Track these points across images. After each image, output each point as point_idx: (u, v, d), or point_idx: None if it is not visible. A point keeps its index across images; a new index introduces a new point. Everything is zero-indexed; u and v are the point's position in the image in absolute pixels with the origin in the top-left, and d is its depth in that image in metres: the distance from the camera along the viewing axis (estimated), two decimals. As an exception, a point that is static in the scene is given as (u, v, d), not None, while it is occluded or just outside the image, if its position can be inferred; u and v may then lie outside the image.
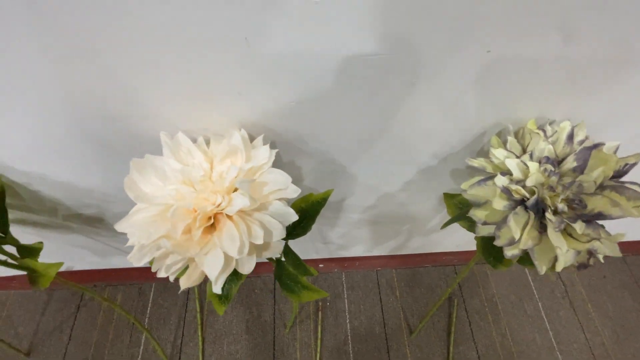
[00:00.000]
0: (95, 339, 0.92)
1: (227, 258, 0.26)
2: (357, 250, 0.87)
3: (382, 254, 0.91)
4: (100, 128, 0.33)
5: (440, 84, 0.32)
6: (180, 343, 0.92)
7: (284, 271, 0.42)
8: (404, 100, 0.33)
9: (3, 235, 0.43)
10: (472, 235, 0.85)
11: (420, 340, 0.95)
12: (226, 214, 0.27)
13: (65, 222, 0.53)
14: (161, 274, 0.28)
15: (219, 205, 0.26)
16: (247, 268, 0.27)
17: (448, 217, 0.66)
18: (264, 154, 0.29)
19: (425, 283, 1.03)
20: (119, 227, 0.28)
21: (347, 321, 0.97)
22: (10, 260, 0.44)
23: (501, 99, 0.33)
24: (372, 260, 0.95)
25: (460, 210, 0.56)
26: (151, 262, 0.28)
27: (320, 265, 0.97)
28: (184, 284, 0.28)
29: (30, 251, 0.42)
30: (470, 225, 0.54)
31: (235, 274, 0.39)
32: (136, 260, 0.26)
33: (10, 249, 0.43)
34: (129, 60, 0.26)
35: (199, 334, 0.93)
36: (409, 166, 0.44)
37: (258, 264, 0.88)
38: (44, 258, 0.42)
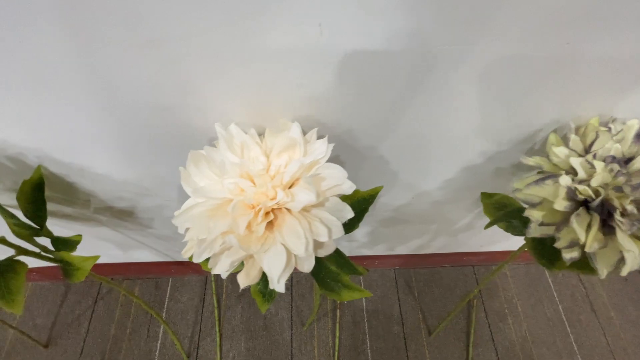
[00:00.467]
0: (112, 332, 0.92)
1: (289, 256, 0.25)
2: (380, 249, 0.86)
3: (403, 253, 0.90)
4: (150, 119, 0.32)
5: (504, 78, 0.30)
6: (198, 338, 0.92)
7: (324, 269, 0.41)
8: (462, 95, 0.32)
9: (39, 228, 0.43)
10: (496, 235, 0.84)
11: (439, 341, 0.94)
12: (285, 210, 0.26)
13: (95, 215, 0.52)
14: (216, 271, 0.27)
15: (280, 200, 0.25)
16: (307, 266, 0.26)
17: (479, 217, 0.65)
18: (321, 148, 0.28)
19: (444, 283, 1.02)
20: (177, 221, 0.27)
21: (365, 320, 0.96)
22: (43, 253, 0.43)
23: (565, 95, 0.32)
24: (392, 259, 0.94)
25: (497, 210, 0.55)
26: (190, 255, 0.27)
27: (339, 263, 0.96)
28: (243, 282, 0.27)
29: (67, 244, 0.41)
30: (508, 226, 0.52)
31: (278, 272, 0.38)
32: (197, 256, 0.25)
33: (43, 241, 0.43)
34: (192, 50, 0.25)
35: (217, 329, 0.92)
36: (453, 164, 0.43)
37: None
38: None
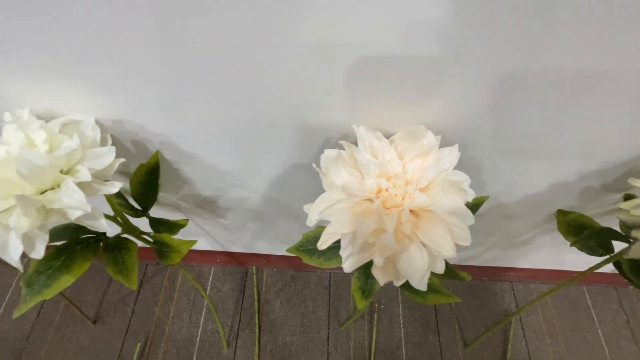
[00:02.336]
0: (156, 315, 0.95)
1: (431, 256, 0.26)
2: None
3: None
4: (276, 115, 0.33)
5: (628, 100, 0.31)
6: (237, 328, 0.94)
7: (413, 272, 0.42)
8: (579, 115, 0.33)
9: (141, 210, 0.45)
10: (545, 253, 0.83)
11: (475, 354, 0.93)
12: (422, 212, 0.27)
13: (178, 201, 0.55)
14: (348, 266, 0.28)
15: (421, 202, 0.27)
16: (439, 267, 0.27)
17: (543, 233, 0.64)
18: (451, 156, 0.30)
19: (481, 296, 1.02)
20: (314, 214, 0.28)
21: (401, 326, 0.96)
22: (143, 235, 0.46)
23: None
24: None
25: (571, 227, 0.55)
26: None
27: (380, 268, 0.97)
28: (382, 278, 0.28)
29: (170, 227, 0.43)
30: (583, 245, 0.52)
31: (377, 270, 0.39)
32: (343, 250, 0.27)
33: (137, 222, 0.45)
34: (351, 58, 0.27)
35: (256, 321, 0.94)
36: (543, 179, 0.44)
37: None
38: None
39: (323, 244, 0.29)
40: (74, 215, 0.29)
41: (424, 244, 0.26)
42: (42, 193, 0.30)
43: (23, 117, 0.32)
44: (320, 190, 0.48)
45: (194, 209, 0.58)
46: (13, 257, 0.28)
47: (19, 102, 0.34)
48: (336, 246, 0.40)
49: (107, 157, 0.32)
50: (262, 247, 0.85)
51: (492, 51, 0.26)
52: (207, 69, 0.30)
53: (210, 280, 1.01)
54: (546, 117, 0.33)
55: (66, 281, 0.34)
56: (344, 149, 0.32)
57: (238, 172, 0.45)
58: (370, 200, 0.29)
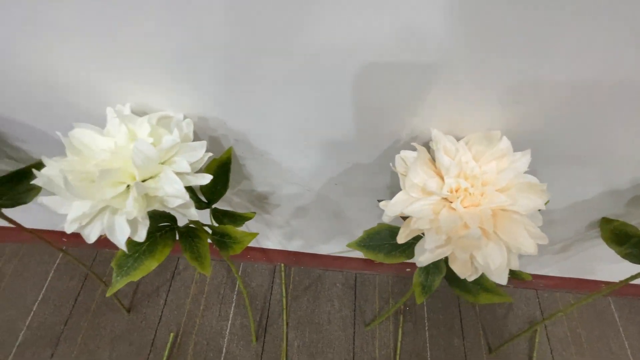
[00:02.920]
0: (188, 307, 0.97)
1: (509, 252, 0.28)
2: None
3: None
4: (355, 116, 0.36)
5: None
6: (266, 324, 0.96)
7: (466, 271, 0.44)
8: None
9: (206, 202, 0.48)
10: (577, 261, 0.83)
11: (499, 359, 0.94)
12: (500, 211, 0.29)
13: (232, 196, 0.57)
14: (424, 261, 0.30)
15: (501, 203, 0.29)
16: (514, 263, 0.29)
17: (582, 240, 0.65)
18: (525, 160, 0.31)
19: (505, 303, 1.02)
20: (391, 211, 0.31)
21: (426, 328, 0.98)
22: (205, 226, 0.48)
23: None
24: None
25: (614, 235, 0.56)
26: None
27: (407, 270, 0.99)
28: (462, 273, 0.30)
29: (235, 218, 0.46)
30: (627, 253, 0.54)
31: (437, 268, 0.41)
32: (429, 243, 0.29)
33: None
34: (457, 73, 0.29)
35: (284, 318, 0.96)
36: (596, 186, 0.45)
37: (345, 260, 0.90)
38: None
39: (403, 238, 0.31)
40: (174, 204, 0.32)
41: (502, 241, 0.28)
42: (142, 182, 0.33)
43: (125, 112, 0.34)
44: (370, 189, 0.51)
45: (244, 203, 0.60)
46: (120, 240, 0.31)
47: (116, 98, 0.36)
48: (396, 243, 0.42)
49: (200, 150, 0.34)
50: (296, 245, 0.87)
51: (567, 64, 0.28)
52: (294, 74, 0.32)
53: (239, 275, 1.03)
54: (604, 124, 0.35)
55: (151, 265, 0.37)
56: (414, 151, 0.34)
57: (299, 170, 0.47)
58: (446, 199, 0.31)
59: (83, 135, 0.33)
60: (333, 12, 0.26)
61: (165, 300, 0.98)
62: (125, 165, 0.31)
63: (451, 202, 0.30)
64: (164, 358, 0.89)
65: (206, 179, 0.34)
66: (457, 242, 0.28)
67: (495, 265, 0.28)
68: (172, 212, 0.38)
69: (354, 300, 1.01)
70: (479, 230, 0.26)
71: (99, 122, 0.34)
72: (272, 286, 1.02)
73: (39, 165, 0.49)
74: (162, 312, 0.97)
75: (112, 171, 0.30)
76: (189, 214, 0.34)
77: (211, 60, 0.31)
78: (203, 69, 0.33)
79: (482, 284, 0.43)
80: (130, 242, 0.39)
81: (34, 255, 1.04)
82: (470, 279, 0.31)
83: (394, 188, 0.50)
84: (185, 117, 0.37)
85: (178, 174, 0.32)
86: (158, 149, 0.31)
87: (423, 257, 0.31)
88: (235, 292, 1.00)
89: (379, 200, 0.46)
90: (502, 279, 0.29)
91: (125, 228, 0.31)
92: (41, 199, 0.31)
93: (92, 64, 0.33)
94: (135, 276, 0.36)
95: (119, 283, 0.36)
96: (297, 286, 1.03)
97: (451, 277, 0.42)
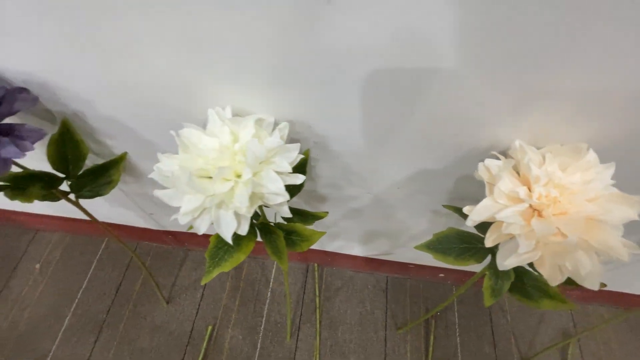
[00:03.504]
0: (224, 302, 1.00)
1: (596, 259, 0.30)
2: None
3: None
4: (445, 128, 0.38)
5: None
6: (299, 322, 0.98)
7: (529, 276, 0.45)
8: None
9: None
10: (621, 274, 0.83)
11: (531, 369, 0.94)
12: (588, 222, 0.31)
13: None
14: (509, 264, 0.32)
15: (592, 212, 0.30)
16: (600, 270, 0.31)
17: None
18: (609, 172, 0.33)
19: (538, 313, 1.02)
20: (477, 216, 0.32)
21: (457, 334, 0.98)
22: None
23: None
24: None
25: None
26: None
27: (440, 275, 1.00)
28: (551, 278, 0.32)
29: (307, 217, 0.48)
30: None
31: (507, 274, 0.42)
32: (523, 247, 0.30)
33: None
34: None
35: (317, 317, 0.98)
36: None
37: (377, 262, 0.91)
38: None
39: (491, 242, 0.33)
40: (276, 201, 0.34)
41: (593, 248, 0.30)
42: (245, 179, 0.35)
43: (227, 114, 0.37)
44: (426, 193, 0.52)
45: (300, 203, 0.62)
46: (226, 233, 0.34)
47: (213, 100, 0.39)
48: (466, 247, 0.44)
49: (294, 152, 0.36)
50: (334, 245, 0.89)
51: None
52: (383, 87, 0.34)
53: (273, 273, 1.06)
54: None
55: (239, 258, 0.40)
56: (497, 159, 0.36)
57: (365, 173, 0.49)
58: (533, 207, 0.33)
59: (191, 134, 0.35)
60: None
61: (202, 294, 1.01)
62: (231, 164, 0.34)
63: (540, 210, 0.32)
64: (202, 350, 0.92)
65: (299, 179, 0.37)
66: (547, 248, 0.30)
67: (585, 271, 0.29)
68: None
69: (386, 303, 1.02)
70: (576, 238, 0.28)
71: (192, 122, 0.37)
72: (304, 285, 1.04)
73: (119, 161, 0.53)
74: (199, 305, 1.00)
75: (225, 169, 0.32)
76: (283, 211, 0.37)
77: (306, 68, 0.34)
78: (295, 78, 0.35)
79: (545, 290, 0.45)
80: (218, 236, 0.41)
81: (77, 245, 1.09)
82: (553, 284, 0.33)
83: (454, 194, 0.51)
84: (275, 120, 0.39)
85: (278, 173, 0.35)
86: (265, 149, 0.34)
87: (508, 260, 0.33)
88: (270, 290, 1.03)
89: (445, 206, 0.48)
90: (594, 284, 0.30)
91: (232, 222, 0.33)
92: (155, 191, 0.34)
93: (191, 70, 0.36)
94: (226, 267, 0.39)
95: (211, 273, 0.38)
96: (329, 287, 1.04)
97: (517, 283, 0.44)
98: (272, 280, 1.05)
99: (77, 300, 1.00)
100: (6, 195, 0.43)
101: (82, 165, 0.49)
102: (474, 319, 1.01)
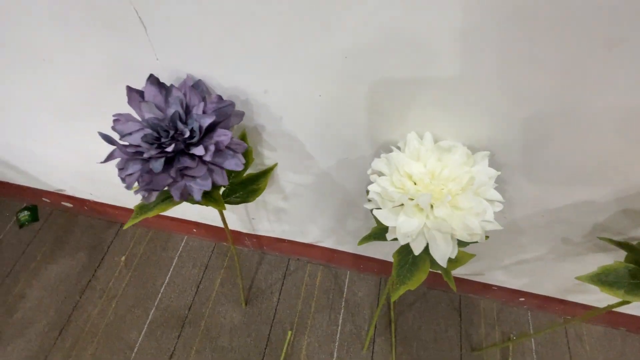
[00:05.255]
0: (299, 308, 1.02)
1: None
2: (578, 297, 0.87)
3: (580, 302, 0.89)
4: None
5: None
6: (374, 334, 0.99)
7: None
8: None
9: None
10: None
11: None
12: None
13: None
14: None
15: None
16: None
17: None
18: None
19: (617, 345, 0.99)
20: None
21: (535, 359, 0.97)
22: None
23: None
24: (566, 307, 0.94)
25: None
26: None
27: (521, 299, 0.99)
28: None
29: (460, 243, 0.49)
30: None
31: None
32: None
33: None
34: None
35: (392, 330, 0.99)
36: None
37: (454, 280, 0.88)
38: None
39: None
40: (487, 227, 0.36)
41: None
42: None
43: (429, 140, 0.39)
44: (574, 225, 0.52)
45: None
46: (439, 256, 0.35)
47: (411, 125, 0.41)
48: (636, 283, 0.44)
49: (492, 179, 0.38)
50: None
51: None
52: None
53: (346, 283, 1.07)
54: None
55: (420, 277, 0.41)
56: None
57: (522, 200, 0.50)
58: None
59: (398, 158, 0.37)
60: None
61: (278, 299, 1.03)
62: (438, 189, 0.36)
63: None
64: (283, 354, 0.94)
65: (498, 207, 0.38)
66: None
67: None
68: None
69: (459, 322, 1.02)
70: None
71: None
72: (378, 297, 1.05)
73: (269, 171, 0.55)
74: (275, 309, 1.02)
75: (436, 193, 0.34)
76: (475, 238, 0.38)
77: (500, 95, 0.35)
78: (487, 105, 0.37)
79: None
80: (399, 255, 0.43)
81: (159, 240, 1.13)
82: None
83: (601, 226, 0.51)
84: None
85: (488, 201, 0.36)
86: (486, 177, 0.35)
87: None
88: (344, 299, 1.04)
89: (601, 238, 0.48)
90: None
91: (446, 247, 0.35)
92: (375, 211, 0.36)
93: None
94: (412, 285, 0.40)
95: (399, 290, 0.40)
96: (402, 301, 1.05)
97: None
98: (345, 289, 1.06)
99: (159, 294, 1.03)
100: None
101: (243, 174, 0.52)
102: (551, 347, 0.99)
